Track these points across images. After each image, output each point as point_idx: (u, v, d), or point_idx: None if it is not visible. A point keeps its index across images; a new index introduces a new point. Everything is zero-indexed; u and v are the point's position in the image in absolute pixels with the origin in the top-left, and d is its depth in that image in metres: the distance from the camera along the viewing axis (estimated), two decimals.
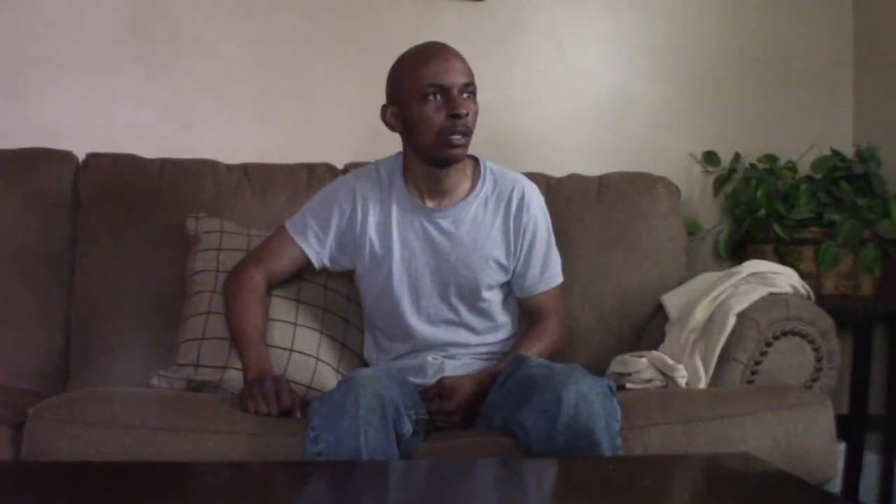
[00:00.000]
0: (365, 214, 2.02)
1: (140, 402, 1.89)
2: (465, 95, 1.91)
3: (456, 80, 1.90)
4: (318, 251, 2.05)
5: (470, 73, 1.93)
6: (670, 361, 2.12)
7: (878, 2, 2.88)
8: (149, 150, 2.48)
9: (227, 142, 2.59)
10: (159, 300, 2.26)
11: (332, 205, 2.05)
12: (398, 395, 1.71)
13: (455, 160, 1.94)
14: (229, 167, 2.47)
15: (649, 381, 2.13)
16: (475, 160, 2.07)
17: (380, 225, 2.02)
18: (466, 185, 2.03)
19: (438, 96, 1.89)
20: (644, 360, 2.16)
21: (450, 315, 2.05)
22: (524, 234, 2.04)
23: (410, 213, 2.02)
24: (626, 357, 2.20)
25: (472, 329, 2.06)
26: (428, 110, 1.89)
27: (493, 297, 2.06)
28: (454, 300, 2.04)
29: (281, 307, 2.11)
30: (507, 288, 2.10)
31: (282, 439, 1.76)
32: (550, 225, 2.11)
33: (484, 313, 2.06)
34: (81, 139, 2.49)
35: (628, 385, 2.17)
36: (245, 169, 2.48)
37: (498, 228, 2.03)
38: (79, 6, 2.57)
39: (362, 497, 1.42)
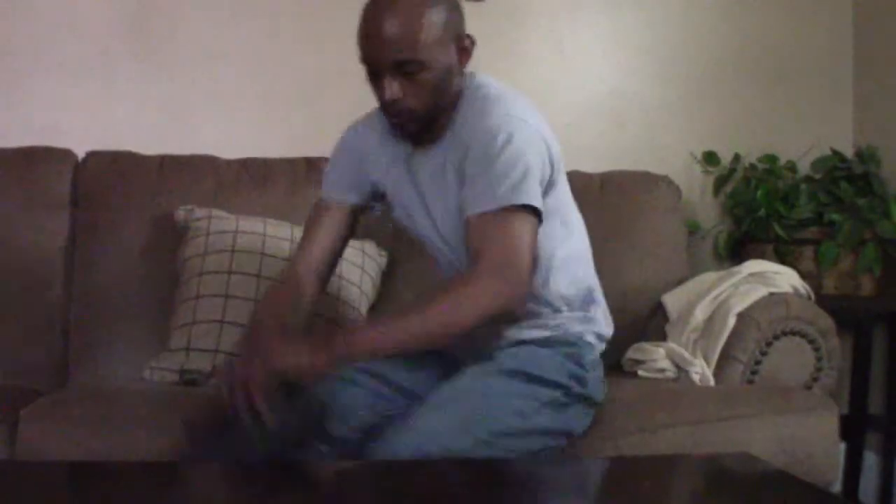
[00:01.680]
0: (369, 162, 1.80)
1: (132, 400, 1.89)
2: (397, 75, 1.58)
3: (381, 57, 1.58)
4: (350, 192, 1.81)
5: (407, 45, 1.56)
6: (687, 356, 2.13)
7: (878, 2, 2.88)
8: (148, 147, 2.49)
9: (226, 140, 2.59)
10: (159, 296, 2.26)
11: (340, 154, 1.85)
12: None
13: (407, 137, 1.71)
14: (228, 162, 2.48)
15: (662, 370, 2.14)
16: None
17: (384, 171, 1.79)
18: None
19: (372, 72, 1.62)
20: (661, 350, 2.17)
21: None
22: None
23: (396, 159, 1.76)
24: (644, 345, 2.22)
25: None
26: (370, 81, 1.64)
27: None
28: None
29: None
30: None
31: None
32: (516, 152, 1.58)
33: None
34: (81, 137, 2.49)
35: (641, 372, 2.18)
36: (244, 163, 2.48)
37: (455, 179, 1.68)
38: (79, 6, 2.57)
39: (360, 496, 1.42)
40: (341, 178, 1.83)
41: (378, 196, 1.85)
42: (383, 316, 1.58)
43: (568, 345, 1.76)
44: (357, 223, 1.87)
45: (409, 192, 1.76)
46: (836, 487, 2.60)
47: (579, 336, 1.78)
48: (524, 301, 1.63)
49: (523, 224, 1.58)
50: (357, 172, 1.82)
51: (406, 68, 1.58)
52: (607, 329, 1.85)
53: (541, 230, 1.62)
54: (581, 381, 1.74)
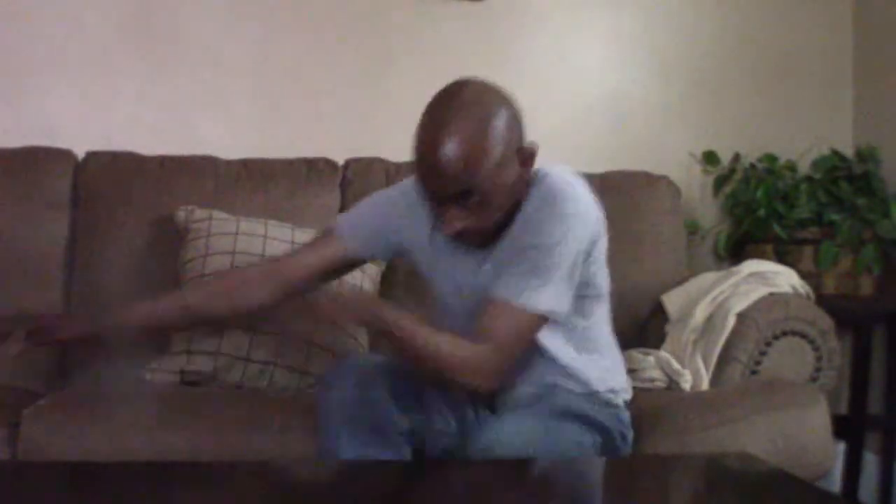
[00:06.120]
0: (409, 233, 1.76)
1: (135, 401, 1.89)
2: (456, 205, 1.53)
3: (441, 189, 1.51)
4: (360, 241, 1.79)
5: (470, 177, 1.49)
6: (676, 365, 2.12)
7: (878, 2, 2.88)
8: (148, 148, 2.49)
9: (226, 140, 2.59)
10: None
11: (379, 207, 1.82)
12: (384, 391, 1.61)
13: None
14: (228, 162, 2.48)
15: (652, 380, 2.14)
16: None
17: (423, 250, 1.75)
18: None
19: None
20: (651, 358, 2.16)
21: None
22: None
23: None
24: (634, 353, 2.21)
25: None
26: (425, 199, 1.60)
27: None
28: None
29: None
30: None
31: (278, 437, 1.78)
32: (566, 249, 1.59)
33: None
34: (81, 137, 2.50)
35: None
36: (244, 163, 2.48)
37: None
38: (79, 6, 2.57)
39: (361, 497, 1.42)
40: (360, 226, 1.80)
41: (396, 252, 1.83)
42: (418, 316, 1.61)
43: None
44: (346, 270, 1.87)
45: (441, 265, 1.73)
46: (836, 487, 2.60)
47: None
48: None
49: (531, 326, 1.59)
50: (378, 230, 1.79)
51: (468, 199, 1.51)
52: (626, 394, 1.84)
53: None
54: (624, 437, 1.75)
